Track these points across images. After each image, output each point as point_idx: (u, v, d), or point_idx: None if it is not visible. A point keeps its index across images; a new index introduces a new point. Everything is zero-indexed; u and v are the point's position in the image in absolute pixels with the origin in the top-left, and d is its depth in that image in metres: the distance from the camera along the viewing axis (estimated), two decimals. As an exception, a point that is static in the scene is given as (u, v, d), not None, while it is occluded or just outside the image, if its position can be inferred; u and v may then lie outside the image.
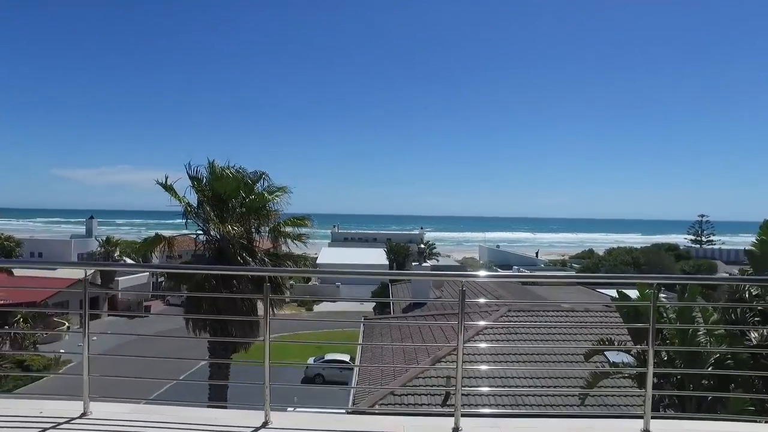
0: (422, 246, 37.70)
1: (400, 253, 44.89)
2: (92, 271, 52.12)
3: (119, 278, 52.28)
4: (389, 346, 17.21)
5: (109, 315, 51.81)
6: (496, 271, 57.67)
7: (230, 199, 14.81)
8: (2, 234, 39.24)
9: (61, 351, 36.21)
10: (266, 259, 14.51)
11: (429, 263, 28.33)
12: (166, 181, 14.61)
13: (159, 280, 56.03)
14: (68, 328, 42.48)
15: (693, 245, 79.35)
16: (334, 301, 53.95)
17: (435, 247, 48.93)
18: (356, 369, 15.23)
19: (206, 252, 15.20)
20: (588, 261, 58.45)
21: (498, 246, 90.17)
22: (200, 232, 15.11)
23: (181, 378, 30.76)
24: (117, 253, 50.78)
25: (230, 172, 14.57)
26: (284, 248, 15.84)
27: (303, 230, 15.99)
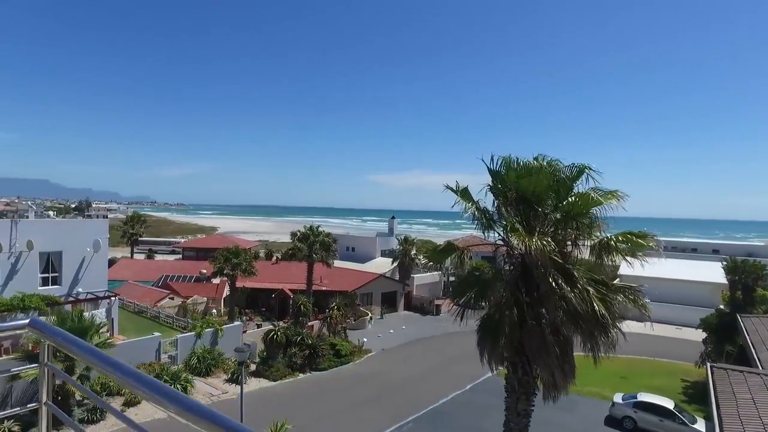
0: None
1: (750, 273, 32.01)
2: (392, 267, 56.29)
3: (415, 275, 55.25)
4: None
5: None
6: None
7: (540, 202, 11.46)
8: (323, 231, 44.78)
9: (364, 339, 39.41)
10: (590, 289, 10.56)
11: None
12: (457, 186, 12.17)
13: (450, 279, 57.24)
14: (371, 318, 46.41)
15: None
16: (641, 321, 45.35)
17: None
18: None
19: (506, 263, 12.23)
20: None
21: None
22: (500, 242, 12.18)
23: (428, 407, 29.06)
24: (413, 252, 53.43)
25: (540, 164, 11.16)
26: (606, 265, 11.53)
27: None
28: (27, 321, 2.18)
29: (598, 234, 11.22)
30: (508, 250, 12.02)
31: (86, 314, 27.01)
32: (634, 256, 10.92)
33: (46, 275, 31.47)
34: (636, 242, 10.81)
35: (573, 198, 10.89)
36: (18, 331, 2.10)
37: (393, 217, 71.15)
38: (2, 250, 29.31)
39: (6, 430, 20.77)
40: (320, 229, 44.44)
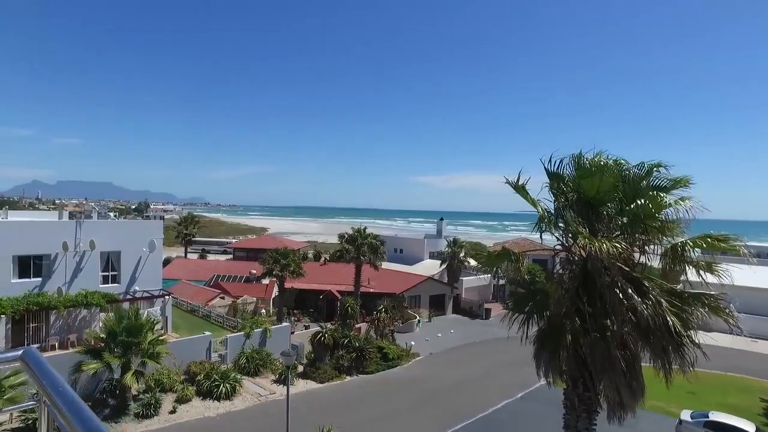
0: None
1: None
2: (440, 270, 55.42)
3: (464, 278, 54.20)
4: None
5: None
6: None
7: (603, 203, 10.56)
8: (371, 233, 44.50)
9: (412, 343, 38.82)
10: (663, 301, 9.56)
11: None
12: (518, 181, 11.36)
13: (500, 283, 55.78)
14: (419, 321, 45.78)
15: None
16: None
17: None
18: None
19: (565, 269, 11.36)
20: None
21: None
22: (558, 246, 11.35)
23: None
24: (462, 254, 52.41)
25: (605, 163, 10.21)
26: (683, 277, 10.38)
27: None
28: (19, 353, 1.79)
29: (671, 239, 10.17)
30: (568, 255, 11.19)
31: (142, 312, 27.84)
32: (710, 270, 9.76)
33: (107, 273, 32.77)
34: (717, 246, 9.67)
35: (643, 200, 9.90)
36: (10, 364, 1.71)
37: (441, 219, 70.19)
38: (68, 249, 30.73)
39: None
40: (368, 230, 44.23)
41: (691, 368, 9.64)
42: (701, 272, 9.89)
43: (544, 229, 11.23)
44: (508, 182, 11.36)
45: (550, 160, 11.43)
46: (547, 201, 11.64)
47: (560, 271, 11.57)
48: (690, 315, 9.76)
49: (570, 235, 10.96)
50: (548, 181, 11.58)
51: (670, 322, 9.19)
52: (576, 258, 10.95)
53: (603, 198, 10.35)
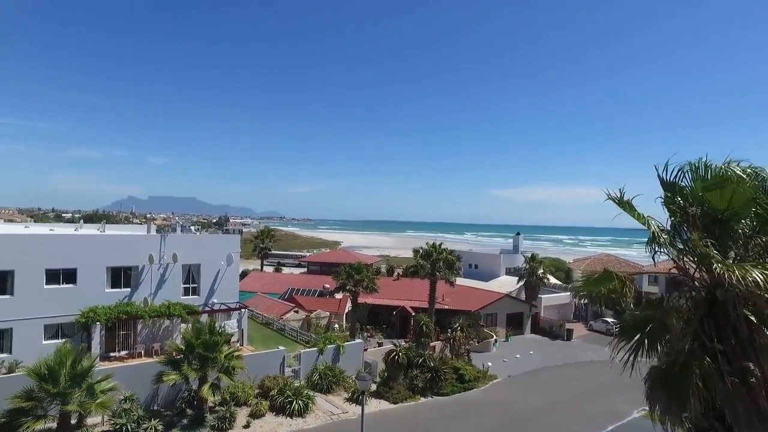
0: None
1: None
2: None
3: (542, 296, 51.40)
4: None
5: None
6: None
7: (737, 220, 8.87)
8: (446, 248, 43.13)
9: (489, 364, 36.90)
10: None
11: None
12: (621, 196, 9.88)
13: (584, 301, 52.37)
14: (496, 341, 43.67)
15: None
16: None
17: None
18: None
19: (684, 298, 9.66)
20: None
21: None
22: (674, 270, 9.70)
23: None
24: (540, 271, 49.74)
25: (737, 172, 8.52)
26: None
27: None
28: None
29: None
30: (686, 279, 9.51)
31: (218, 324, 28.23)
32: None
33: (187, 285, 33.83)
34: None
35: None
36: None
37: (518, 234, 67.37)
38: (153, 261, 32.06)
39: (153, 428, 22.17)
40: (443, 246, 42.95)
41: None
42: None
43: (657, 249, 9.63)
44: (610, 198, 9.89)
45: (665, 169, 9.74)
46: (648, 212, 10.02)
47: (677, 298, 9.87)
48: None
49: (691, 257, 9.29)
50: (663, 192, 9.94)
51: None
52: (698, 284, 9.26)
53: (736, 212, 8.66)
